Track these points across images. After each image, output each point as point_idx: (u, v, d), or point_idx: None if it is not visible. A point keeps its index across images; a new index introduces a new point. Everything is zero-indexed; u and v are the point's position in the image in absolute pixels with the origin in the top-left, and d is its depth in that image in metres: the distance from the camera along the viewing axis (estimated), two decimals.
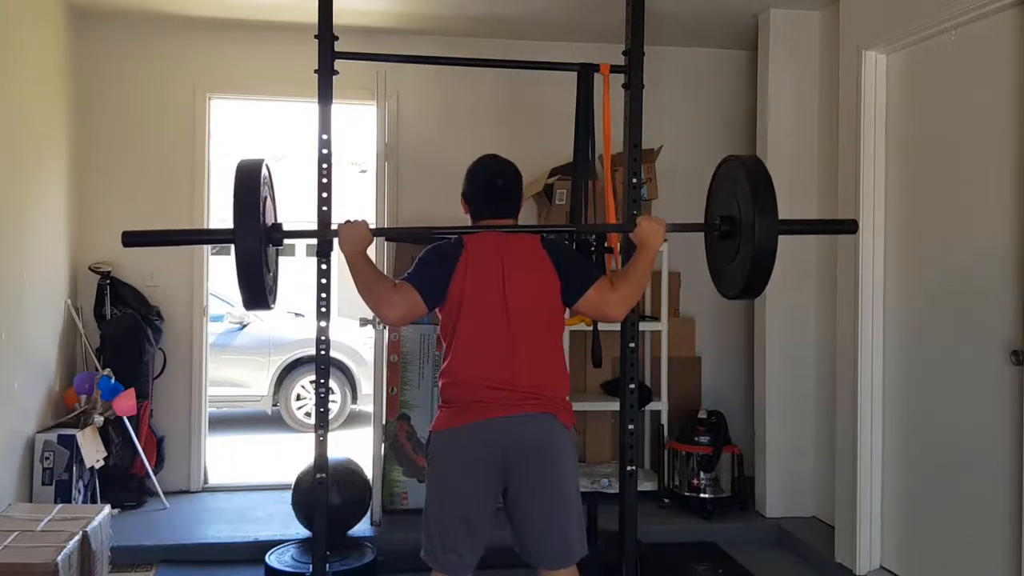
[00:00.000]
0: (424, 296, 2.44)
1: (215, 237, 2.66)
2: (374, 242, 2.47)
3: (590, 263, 2.67)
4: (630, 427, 3.13)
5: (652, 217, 2.59)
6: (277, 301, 2.64)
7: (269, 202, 2.51)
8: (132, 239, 2.45)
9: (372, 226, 2.54)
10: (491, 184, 2.58)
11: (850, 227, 2.81)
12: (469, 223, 2.63)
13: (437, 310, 2.52)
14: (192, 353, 4.82)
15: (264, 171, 2.44)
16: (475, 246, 2.48)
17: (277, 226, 2.53)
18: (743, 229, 2.46)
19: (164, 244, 2.77)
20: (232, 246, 2.35)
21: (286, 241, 2.62)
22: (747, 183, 2.44)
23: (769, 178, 2.45)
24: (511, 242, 2.51)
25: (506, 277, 2.44)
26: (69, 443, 4.03)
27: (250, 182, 2.37)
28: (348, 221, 2.52)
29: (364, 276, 2.46)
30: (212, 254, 5.03)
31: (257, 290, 2.38)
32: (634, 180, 3.05)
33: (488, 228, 2.54)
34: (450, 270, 2.45)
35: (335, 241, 2.59)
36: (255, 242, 2.32)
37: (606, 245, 3.05)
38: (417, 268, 2.50)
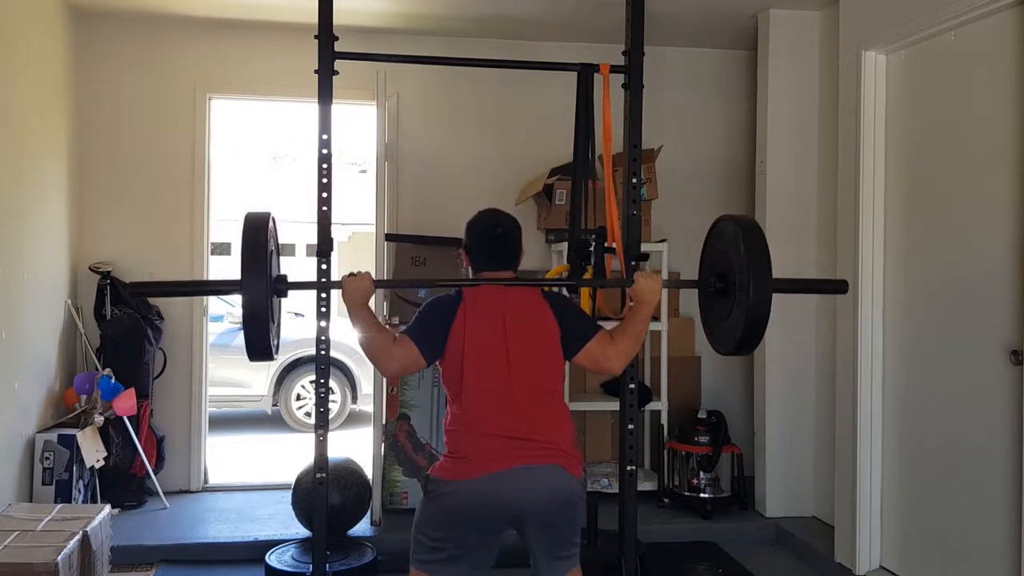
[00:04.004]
0: (423, 351, 2.45)
1: (223, 288, 2.71)
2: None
3: (590, 319, 2.69)
4: (630, 427, 3.14)
5: (649, 273, 2.63)
6: (279, 350, 2.68)
7: (274, 255, 2.54)
8: (139, 289, 2.49)
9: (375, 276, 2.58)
10: (490, 234, 2.60)
11: (841, 288, 2.84)
12: (470, 272, 2.65)
13: (438, 362, 2.52)
14: (192, 353, 4.82)
15: (271, 225, 2.47)
16: (474, 298, 2.49)
17: (282, 278, 2.58)
18: (738, 291, 2.49)
19: (171, 295, 2.78)
20: (237, 285, 2.38)
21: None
22: (740, 242, 2.46)
23: (764, 241, 2.47)
24: (511, 294, 2.53)
25: (507, 328, 2.45)
26: (69, 443, 4.04)
27: (257, 237, 2.40)
28: (352, 274, 2.53)
29: (365, 328, 2.49)
30: (212, 254, 5.02)
31: (262, 343, 2.42)
32: (634, 180, 3.05)
33: (488, 281, 2.56)
34: (448, 323, 2.45)
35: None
36: (262, 298, 2.37)
37: (606, 245, 3.05)
38: (417, 322, 2.51)
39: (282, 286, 2.55)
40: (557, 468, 2.41)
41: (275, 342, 2.59)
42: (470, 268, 2.64)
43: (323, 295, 2.87)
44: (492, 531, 2.41)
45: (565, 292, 3.15)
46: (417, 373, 4.44)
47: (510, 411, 2.41)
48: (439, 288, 2.68)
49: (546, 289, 2.65)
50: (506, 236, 2.60)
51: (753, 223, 2.57)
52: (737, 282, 2.50)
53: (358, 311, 2.50)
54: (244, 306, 2.35)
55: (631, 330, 2.54)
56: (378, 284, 2.60)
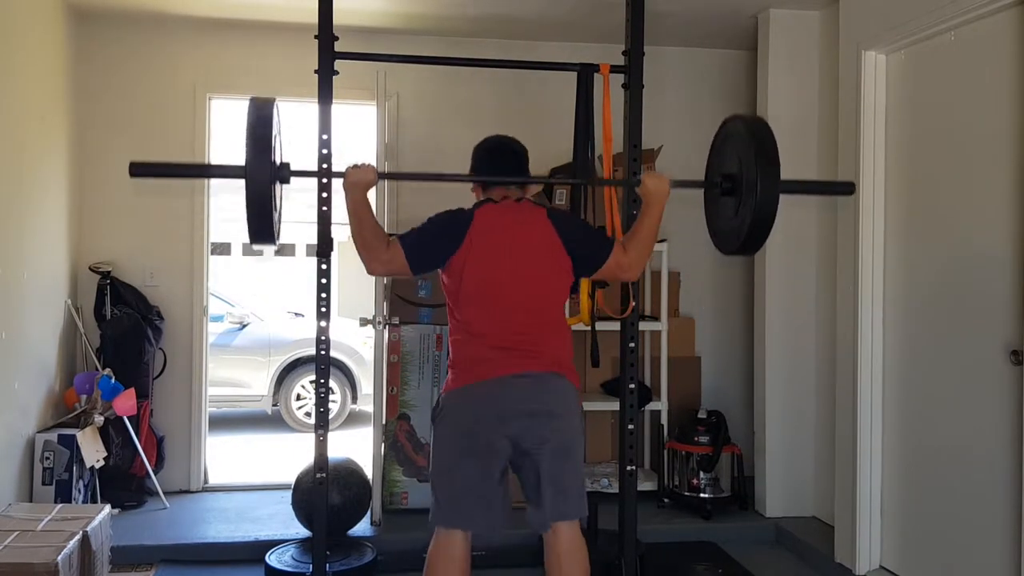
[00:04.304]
0: (411, 263, 2.53)
1: (225, 172, 2.70)
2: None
3: (597, 232, 2.73)
4: (630, 427, 3.14)
5: (656, 173, 2.66)
6: (280, 238, 2.69)
7: (278, 141, 2.56)
8: (140, 170, 2.50)
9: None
10: (497, 150, 2.71)
11: (847, 188, 2.84)
12: (478, 196, 2.70)
13: (444, 277, 2.58)
14: (192, 353, 4.82)
15: (275, 111, 2.49)
16: (483, 219, 2.55)
17: (285, 165, 2.59)
18: (745, 187, 2.48)
19: (172, 176, 2.77)
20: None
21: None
22: (751, 142, 2.46)
23: (773, 137, 2.47)
24: (518, 217, 2.59)
25: (512, 249, 2.52)
26: (69, 443, 4.04)
27: (263, 120, 2.42)
28: (355, 165, 2.57)
29: (362, 224, 2.53)
30: (212, 254, 5.03)
31: (265, 225, 2.44)
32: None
33: (498, 181, 2.63)
34: (456, 242, 2.52)
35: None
36: (266, 179, 2.38)
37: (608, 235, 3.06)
38: (418, 233, 2.57)
39: (285, 172, 2.56)
40: (556, 375, 2.52)
41: (277, 229, 2.61)
42: (479, 190, 2.70)
43: (323, 262, 2.87)
44: (497, 435, 2.47)
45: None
46: (418, 374, 4.44)
47: (512, 326, 2.50)
48: (448, 181, 2.82)
49: (551, 210, 2.68)
50: (511, 153, 2.70)
51: (763, 123, 2.57)
52: (744, 181, 2.49)
53: (357, 204, 2.53)
54: (248, 191, 2.37)
55: (642, 235, 2.59)
56: (383, 176, 2.64)
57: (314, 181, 2.86)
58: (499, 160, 2.69)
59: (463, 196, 2.81)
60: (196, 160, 4.77)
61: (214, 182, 4.91)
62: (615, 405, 4.08)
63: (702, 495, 4.43)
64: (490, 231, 2.53)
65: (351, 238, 2.55)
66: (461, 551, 2.51)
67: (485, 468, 2.48)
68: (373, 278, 4.21)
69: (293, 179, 2.58)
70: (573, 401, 2.57)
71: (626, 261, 2.58)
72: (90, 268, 4.61)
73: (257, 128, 2.39)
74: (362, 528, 4.09)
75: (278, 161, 2.55)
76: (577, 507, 2.54)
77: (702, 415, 4.54)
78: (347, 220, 2.55)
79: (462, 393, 2.52)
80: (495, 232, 2.53)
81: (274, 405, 7.39)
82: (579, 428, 2.57)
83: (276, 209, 2.58)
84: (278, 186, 2.59)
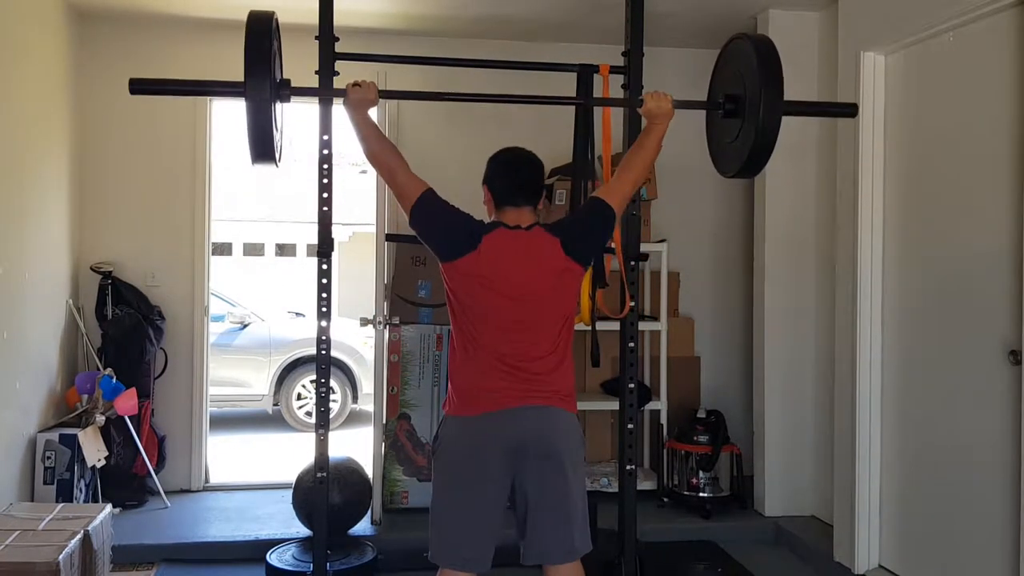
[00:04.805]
0: (419, 205, 2.48)
1: (226, 90, 2.66)
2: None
3: (588, 219, 2.60)
4: (629, 426, 3.15)
5: (658, 93, 2.62)
6: (282, 159, 2.66)
7: (278, 58, 2.52)
8: (140, 86, 2.48)
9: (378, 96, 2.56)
10: (514, 165, 2.59)
11: (850, 110, 2.84)
12: (490, 214, 2.61)
13: (448, 282, 2.50)
14: (193, 353, 4.83)
15: (274, 26, 2.44)
16: (491, 246, 2.45)
17: (286, 82, 2.55)
18: (748, 106, 2.47)
19: (173, 93, 2.76)
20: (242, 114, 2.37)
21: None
22: (756, 60, 2.44)
23: (778, 57, 2.46)
24: (527, 248, 2.49)
25: (522, 278, 2.45)
26: (70, 442, 4.05)
27: (262, 33, 2.37)
28: (356, 83, 2.54)
29: (367, 141, 2.54)
30: (213, 254, 5.03)
31: (266, 143, 2.39)
32: None
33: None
34: (456, 250, 2.44)
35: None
36: (266, 94, 2.33)
37: (607, 245, 3.06)
38: (443, 205, 2.50)
39: (285, 90, 2.52)
40: (558, 410, 2.46)
41: (278, 150, 2.56)
42: (491, 203, 2.58)
43: (323, 262, 2.87)
44: (498, 472, 2.42)
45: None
46: (418, 373, 4.45)
47: (515, 353, 2.43)
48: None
49: (551, 225, 2.58)
50: (531, 167, 2.60)
51: (769, 42, 2.55)
52: (748, 101, 2.48)
53: (361, 119, 2.53)
54: (248, 109, 2.33)
55: (643, 157, 2.58)
56: (383, 95, 2.59)
57: (314, 164, 2.84)
58: (514, 175, 2.56)
59: (464, 210, 2.75)
60: (197, 160, 4.79)
61: (215, 182, 4.91)
62: (615, 405, 4.08)
63: (701, 494, 4.44)
64: (502, 256, 2.44)
65: (364, 154, 2.55)
66: None
67: (485, 508, 2.42)
68: (373, 278, 4.23)
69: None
70: (576, 435, 2.50)
71: (627, 189, 2.55)
72: (91, 268, 4.62)
73: (256, 43, 2.32)
74: (362, 527, 4.10)
75: (278, 78, 2.49)
76: (577, 550, 2.48)
77: (701, 415, 4.55)
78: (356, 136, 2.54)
79: (462, 426, 2.45)
80: (503, 261, 2.44)
81: (275, 405, 7.40)
82: (581, 460, 2.52)
83: (277, 129, 2.52)
84: (278, 105, 2.53)
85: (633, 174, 2.58)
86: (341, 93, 2.53)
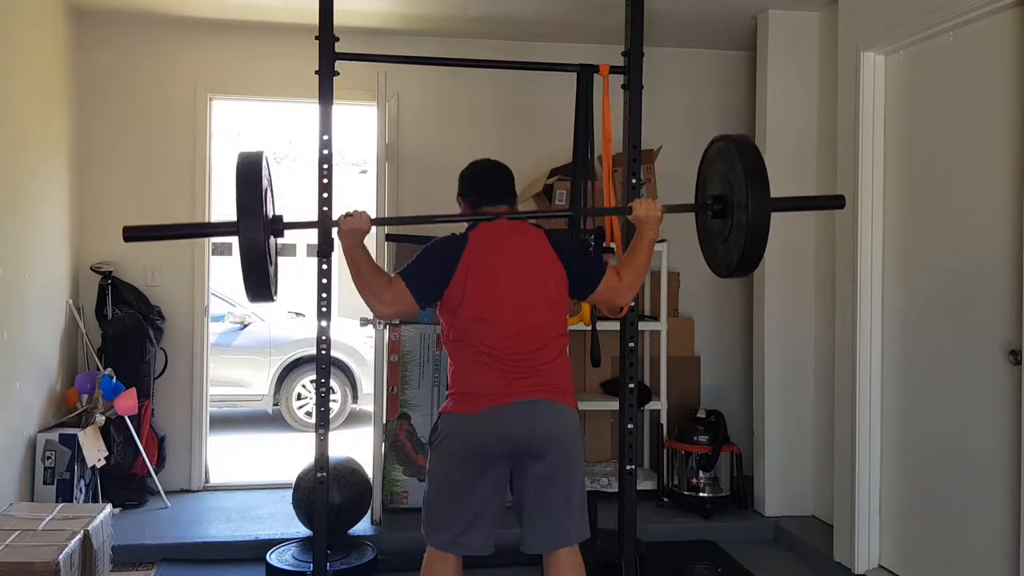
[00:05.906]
0: (417, 296, 2.50)
1: (218, 230, 2.66)
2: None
3: (592, 256, 2.75)
4: (629, 426, 3.15)
5: (646, 199, 2.66)
6: (278, 293, 2.67)
7: (269, 194, 2.54)
8: (133, 234, 2.46)
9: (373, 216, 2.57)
10: (483, 169, 2.66)
11: (838, 203, 2.83)
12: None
13: (440, 305, 2.55)
14: (193, 353, 4.83)
15: (264, 163, 2.46)
16: (479, 241, 2.51)
17: (278, 218, 2.55)
18: (735, 207, 2.48)
19: (166, 238, 2.79)
20: (234, 242, 2.37)
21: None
22: (739, 161, 2.45)
23: (760, 156, 2.47)
24: (516, 235, 2.55)
25: (510, 269, 2.49)
26: (71, 442, 4.05)
27: (252, 175, 2.39)
28: (348, 213, 2.55)
29: (361, 269, 2.51)
30: (213, 254, 5.04)
31: (262, 283, 2.41)
32: (633, 180, 3.07)
33: (490, 216, 2.57)
34: (450, 269, 2.48)
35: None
36: (259, 235, 2.34)
37: (605, 245, 3.07)
38: (416, 265, 2.53)
39: (279, 226, 2.54)
40: (556, 403, 2.49)
41: (274, 283, 2.58)
42: (468, 207, 2.65)
43: (323, 262, 2.87)
44: (497, 461, 2.46)
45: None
46: (418, 373, 4.46)
47: (513, 350, 2.46)
48: (443, 225, 2.71)
49: (551, 234, 2.65)
50: (500, 170, 2.66)
51: (749, 140, 2.57)
52: (735, 202, 2.49)
53: (354, 251, 2.52)
54: (242, 248, 2.33)
55: (636, 261, 2.61)
56: (375, 222, 2.60)
57: (314, 164, 2.85)
58: (487, 176, 2.65)
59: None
60: (197, 160, 4.79)
61: (214, 172, 4.91)
62: (615, 405, 4.09)
63: (701, 494, 4.44)
64: (488, 254, 2.49)
65: (352, 282, 2.52)
66: (455, 571, 2.52)
67: (482, 495, 2.46)
68: None
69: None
70: (575, 428, 2.53)
71: (619, 285, 2.58)
72: (91, 268, 4.62)
73: (247, 184, 2.35)
74: (362, 527, 4.10)
75: (270, 214, 2.50)
76: (573, 537, 2.52)
77: (701, 415, 4.55)
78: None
79: (462, 419, 2.47)
80: (493, 254, 2.49)
81: (275, 404, 7.41)
82: (580, 453, 2.54)
83: (272, 263, 2.54)
84: (272, 240, 2.55)
85: (628, 276, 2.61)
86: (335, 224, 2.55)
